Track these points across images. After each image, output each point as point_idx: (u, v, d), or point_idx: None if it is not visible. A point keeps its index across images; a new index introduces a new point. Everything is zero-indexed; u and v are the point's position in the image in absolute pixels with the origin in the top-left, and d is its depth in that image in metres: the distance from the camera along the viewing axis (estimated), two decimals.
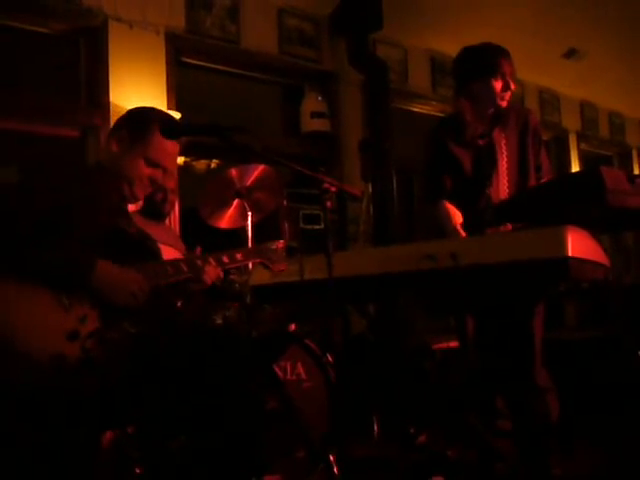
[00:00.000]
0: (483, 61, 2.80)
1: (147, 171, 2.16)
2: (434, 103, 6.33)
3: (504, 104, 2.80)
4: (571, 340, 3.96)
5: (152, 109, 2.29)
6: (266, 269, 2.53)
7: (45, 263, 1.82)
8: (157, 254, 2.23)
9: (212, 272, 2.28)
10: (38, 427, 1.77)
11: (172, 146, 2.19)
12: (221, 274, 2.36)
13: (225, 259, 2.35)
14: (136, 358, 1.90)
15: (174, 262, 2.20)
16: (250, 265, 3.12)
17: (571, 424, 2.87)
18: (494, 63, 2.76)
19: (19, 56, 4.28)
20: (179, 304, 3.03)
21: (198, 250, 2.61)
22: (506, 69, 2.76)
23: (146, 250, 2.21)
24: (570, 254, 2.12)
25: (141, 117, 2.22)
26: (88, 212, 2.01)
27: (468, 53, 2.87)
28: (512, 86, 2.78)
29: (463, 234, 2.69)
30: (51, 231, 1.88)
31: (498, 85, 2.76)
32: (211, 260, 2.29)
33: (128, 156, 2.15)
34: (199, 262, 2.25)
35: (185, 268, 2.18)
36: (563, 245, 2.13)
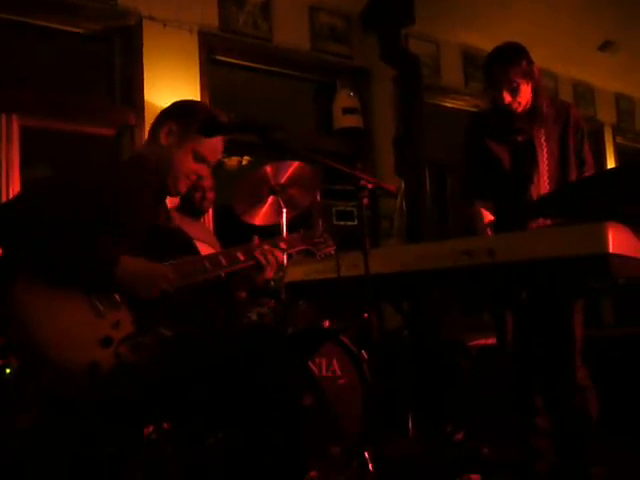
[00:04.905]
0: (488, 75, 2.75)
1: (194, 166, 2.13)
2: (467, 98, 6.28)
3: (519, 109, 2.73)
4: (608, 337, 3.90)
5: (200, 103, 2.24)
6: (310, 255, 2.45)
7: (67, 258, 1.78)
8: (195, 250, 2.20)
9: (274, 260, 2.22)
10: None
11: (219, 142, 2.17)
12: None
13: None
14: (172, 360, 1.88)
15: (212, 256, 2.16)
16: (285, 261, 3.13)
17: (611, 422, 2.83)
18: (497, 76, 2.69)
19: (55, 56, 4.34)
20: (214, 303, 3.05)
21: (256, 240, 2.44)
22: (512, 76, 2.65)
23: (184, 246, 2.20)
24: (611, 250, 2.10)
25: (191, 110, 2.17)
26: (127, 208, 1.98)
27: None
28: (524, 87, 2.68)
29: (490, 234, 2.68)
30: (82, 230, 1.84)
31: (506, 96, 2.69)
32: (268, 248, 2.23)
33: (177, 150, 2.11)
34: (240, 255, 2.19)
35: (224, 261, 2.13)
36: (604, 241, 2.10)
